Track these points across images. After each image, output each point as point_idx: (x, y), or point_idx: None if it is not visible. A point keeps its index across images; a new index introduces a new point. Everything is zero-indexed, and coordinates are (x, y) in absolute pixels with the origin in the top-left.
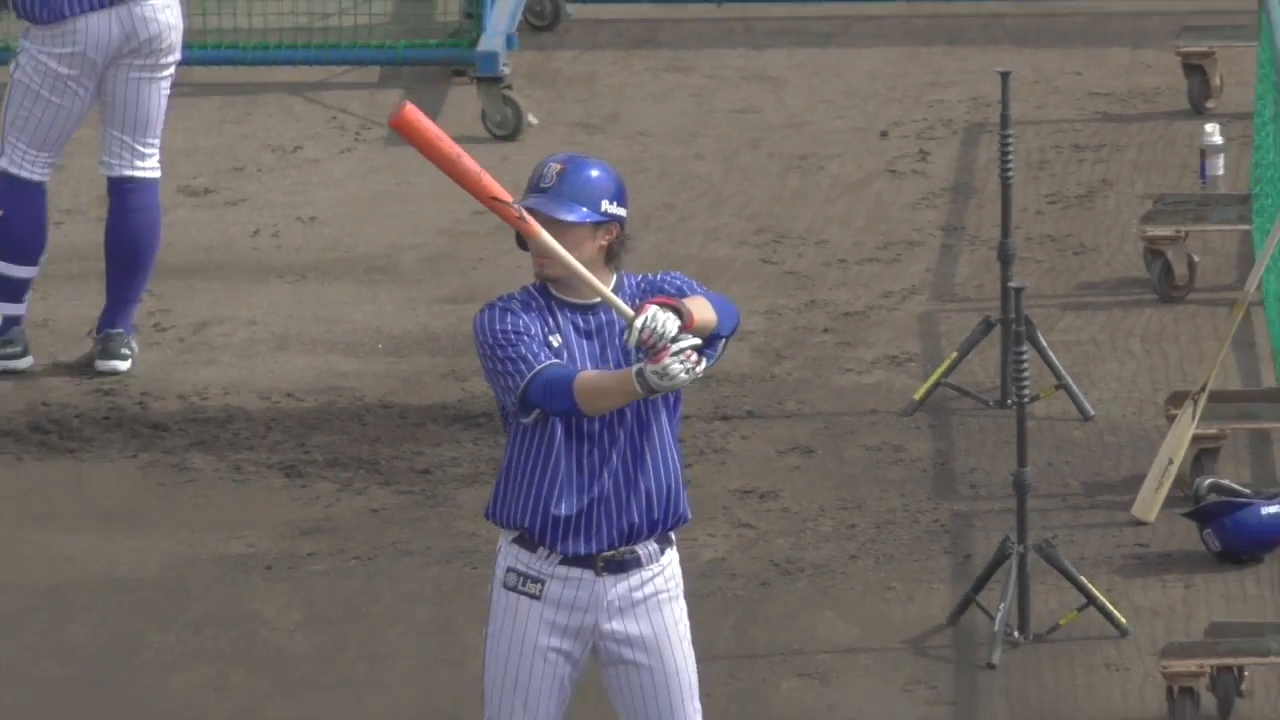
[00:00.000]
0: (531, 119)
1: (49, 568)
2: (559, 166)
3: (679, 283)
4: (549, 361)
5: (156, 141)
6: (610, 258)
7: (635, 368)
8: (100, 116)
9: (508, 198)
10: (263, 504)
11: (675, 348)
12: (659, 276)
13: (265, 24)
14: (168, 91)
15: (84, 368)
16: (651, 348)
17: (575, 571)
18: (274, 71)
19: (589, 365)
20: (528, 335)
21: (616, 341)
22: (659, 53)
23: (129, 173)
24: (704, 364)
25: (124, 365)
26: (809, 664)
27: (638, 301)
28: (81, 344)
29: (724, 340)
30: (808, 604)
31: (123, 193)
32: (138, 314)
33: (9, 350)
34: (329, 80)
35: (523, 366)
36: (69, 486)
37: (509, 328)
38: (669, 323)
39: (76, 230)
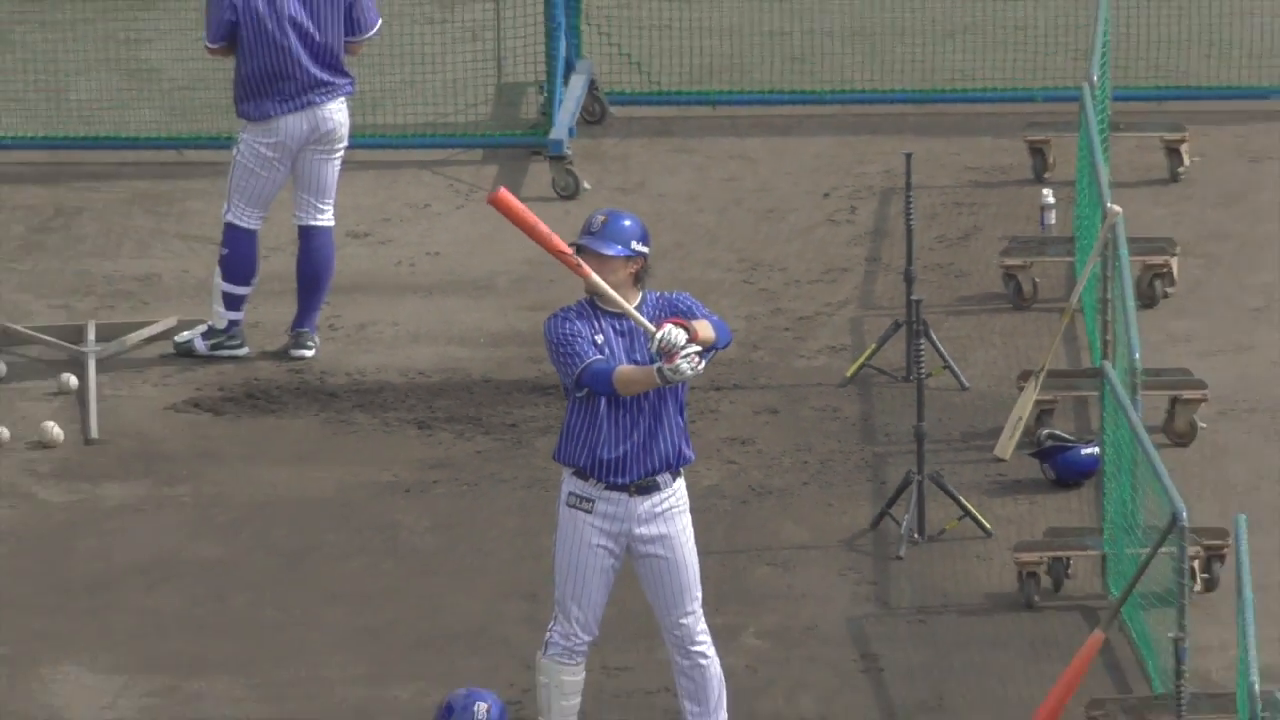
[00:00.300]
0: (586, 185)
1: (259, 491)
2: (603, 217)
3: (689, 302)
4: (595, 357)
5: (331, 201)
6: (637, 280)
7: (655, 365)
8: (293, 183)
9: (567, 250)
10: (402, 447)
11: (683, 353)
12: (673, 294)
13: (405, 120)
14: (339, 166)
15: (282, 354)
16: (666, 353)
17: (615, 495)
18: (411, 153)
19: (622, 356)
20: (580, 337)
21: (641, 339)
22: (672, 139)
23: (312, 222)
24: (703, 365)
25: (309, 353)
26: (775, 557)
27: (658, 315)
28: (281, 338)
29: (719, 348)
30: (774, 516)
31: (308, 236)
32: (318, 318)
33: (233, 343)
34: (449, 159)
35: (577, 361)
36: (272, 435)
37: (567, 331)
38: (679, 336)
39: (278, 261)
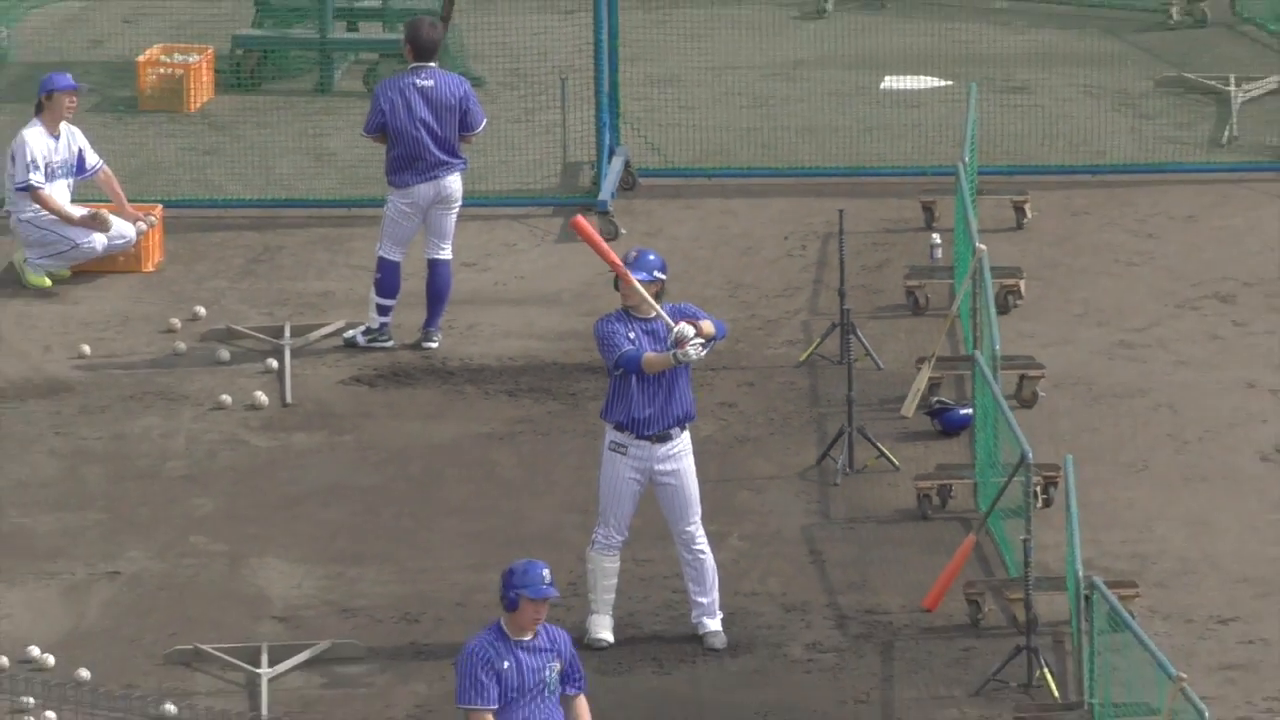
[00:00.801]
0: (622, 230)
1: (400, 438)
2: (634, 253)
3: (694, 309)
4: (628, 348)
5: (449, 241)
6: (658, 297)
7: (671, 351)
8: (424, 230)
9: (620, 264)
10: (497, 409)
11: (691, 342)
12: (682, 305)
13: (501, 187)
14: (455, 218)
15: (416, 346)
16: (679, 342)
17: (642, 442)
18: (505, 209)
19: (647, 348)
20: (618, 334)
21: (661, 336)
22: (681, 200)
23: (437, 256)
24: (705, 351)
25: (434, 345)
26: (750, 484)
27: (674, 317)
28: (415, 335)
29: (716, 340)
30: (750, 456)
31: (434, 265)
32: (441, 321)
33: (383, 338)
34: (529, 214)
35: (615, 350)
36: (409, 400)
37: (609, 330)
38: (689, 331)
39: (415, 283)
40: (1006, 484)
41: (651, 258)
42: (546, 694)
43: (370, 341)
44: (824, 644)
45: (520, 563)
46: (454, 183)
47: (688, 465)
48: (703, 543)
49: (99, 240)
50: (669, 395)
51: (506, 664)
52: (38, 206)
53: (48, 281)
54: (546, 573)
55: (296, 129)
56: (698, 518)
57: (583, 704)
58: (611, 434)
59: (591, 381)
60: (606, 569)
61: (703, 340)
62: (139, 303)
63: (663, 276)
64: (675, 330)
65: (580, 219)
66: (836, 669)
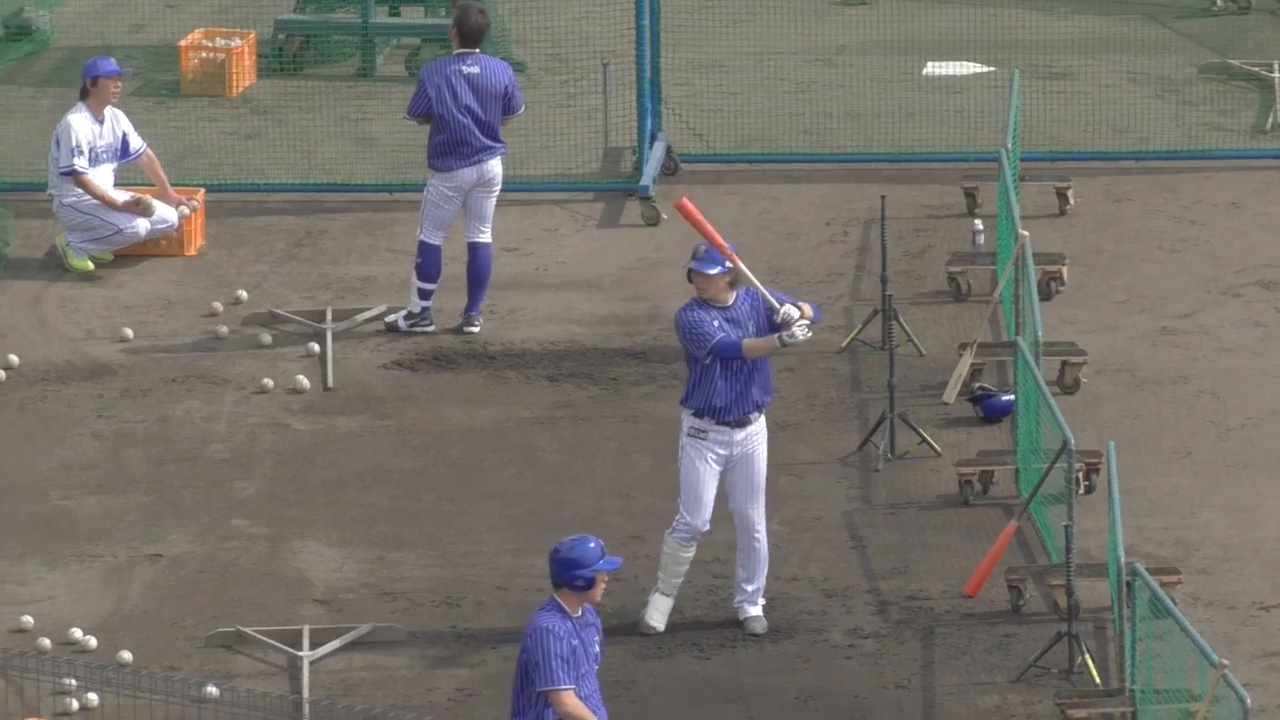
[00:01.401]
0: (663, 216)
1: (441, 422)
2: (705, 247)
3: (779, 294)
4: (721, 335)
5: (489, 225)
6: (732, 285)
7: (777, 335)
8: (465, 213)
9: (724, 244)
10: (538, 394)
11: (799, 323)
12: (755, 290)
13: (542, 172)
14: (495, 202)
15: (458, 330)
16: (785, 324)
17: (722, 428)
18: (546, 194)
19: (732, 337)
20: (705, 323)
21: (741, 323)
22: (723, 185)
23: (477, 239)
24: (810, 333)
25: (476, 329)
26: (792, 470)
27: (752, 305)
28: (457, 319)
29: (816, 322)
30: (792, 441)
31: (474, 249)
32: (482, 305)
33: (424, 323)
34: (571, 199)
35: (708, 339)
36: (450, 385)
37: (694, 319)
38: (795, 312)
39: (455, 267)
40: (1049, 470)
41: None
42: (595, 668)
43: (411, 326)
44: (865, 629)
45: (575, 542)
46: (495, 167)
47: (762, 450)
48: (762, 529)
49: (142, 225)
50: (749, 382)
51: (575, 641)
52: (80, 191)
53: (90, 265)
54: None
55: (338, 113)
56: (762, 503)
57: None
58: (690, 420)
59: (632, 367)
60: (681, 557)
61: (807, 321)
62: (181, 286)
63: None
64: (782, 311)
65: (686, 200)
66: (877, 654)
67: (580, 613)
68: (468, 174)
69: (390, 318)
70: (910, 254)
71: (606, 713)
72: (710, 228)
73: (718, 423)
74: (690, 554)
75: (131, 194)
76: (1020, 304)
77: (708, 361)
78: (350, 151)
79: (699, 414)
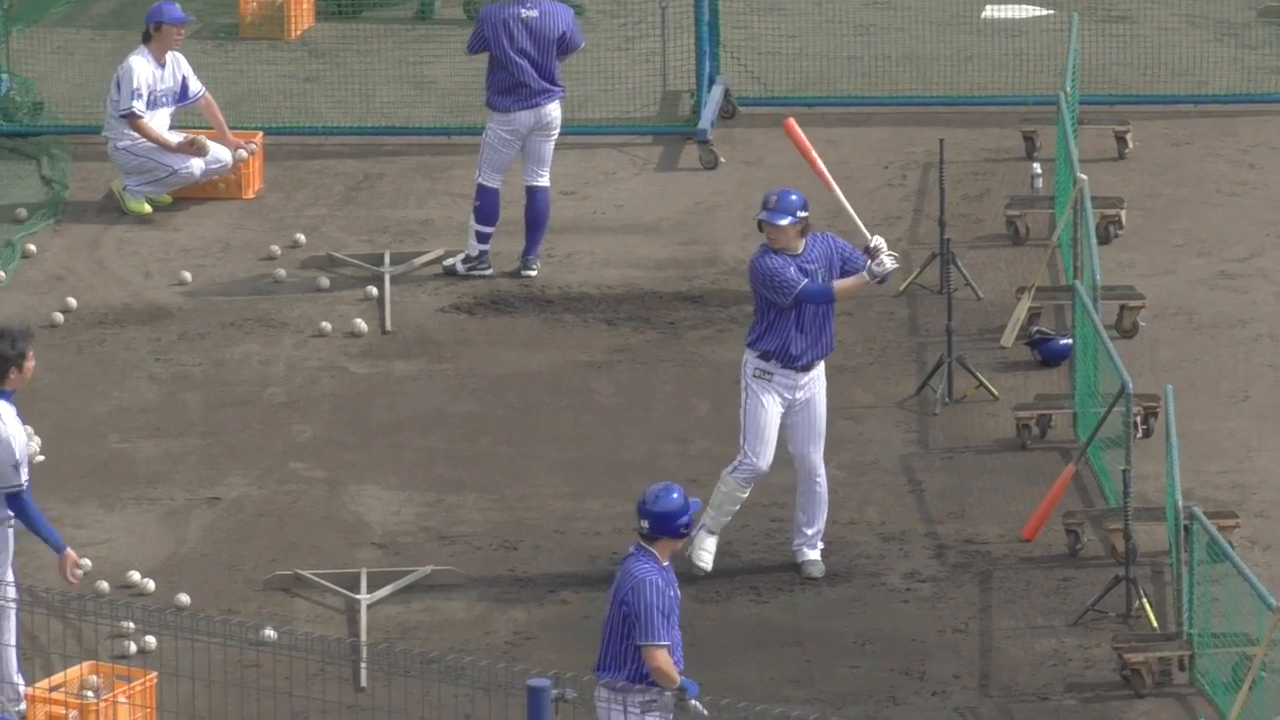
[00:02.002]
0: (721, 160)
1: (499, 366)
2: (775, 197)
3: (841, 242)
4: (804, 280)
5: (548, 169)
6: (803, 233)
7: (865, 270)
8: (523, 157)
9: (823, 171)
10: (596, 337)
11: (888, 253)
12: (827, 235)
13: (601, 115)
14: (553, 145)
15: (515, 274)
16: (874, 253)
17: (787, 370)
18: (605, 138)
19: (818, 282)
20: (786, 268)
21: (810, 273)
22: (779, 128)
23: (535, 183)
24: (897, 264)
25: (533, 273)
26: (850, 414)
27: (824, 251)
28: (515, 263)
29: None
30: (849, 385)
31: (532, 193)
32: (540, 249)
33: (482, 266)
34: (629, 142)
35: (791, 285)
36: (508, 328)
37: (774, 266)
38: (883, 241)
39: (514, 211)
40: (1106, 414)
41: (794, 198)
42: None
43: (469, 270)
44: (922, 573)
45: (661, 491)
46: (553, 110)
47: (822, 395)
48: (823, 473)
49: (196, 165)
50: (821, 330)
51: (672, 593)
52: (135, 135)
53: (148, 208)
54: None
55: (396, 56)
56: (822, 447)
57: None
58: (756, 362)
59: (690, 310)
60: (737, 497)
61: (895, 254)
62: (239, 230)
63: (805, 215)
64: (873, 240)
65: (792, 122)
66: (934, 598)
67: (668, 562)
68: (524, 117)
69: (448, 261)
70: (968, 197)
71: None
72: (814, 155)
73: (785, 366)
74: (745, 495)
75: (185, 135)
76: (1078, 248)
77: (788, 305)
78: (408, 94)
79: (766, 356)
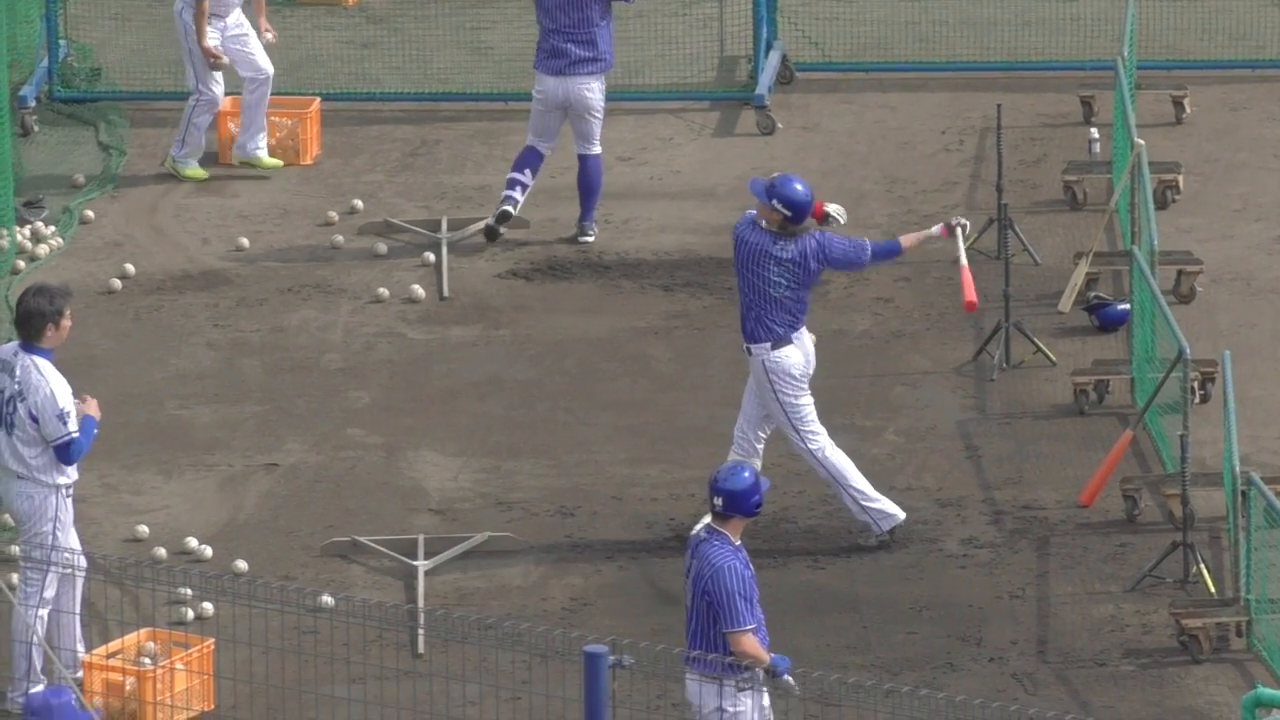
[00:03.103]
0: (779, 125)
1: (556, 332)
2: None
3: (826, 237)
4: (869, 242)
5: (594, 141)
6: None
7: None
8: (570, 127)
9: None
10: (653, 303)
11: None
12: (818, 233)
13: (658, 81)
14: (596, 123)
15: (572, 240)
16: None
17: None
18: (662, 104)
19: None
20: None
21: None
22: (839, 94)
23: (583, 152)
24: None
25: (590, 239)
26: (907, 379)
27: (812, 244)
28: (571, 229)
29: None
30: (906, 351)
31: (581, 160)
32: (595, 215)
33: (506, 205)
34: (686, 108)
35: (863, 248)
36: (565, 294)
37: (836, 237)
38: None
39: (568, 179)
40: (1164, 380)
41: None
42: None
43: (495, 215)
44: (979, 539)
45: (733, 470)
46: (585, 87)
47: (757, 381)
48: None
49: (218, 90)
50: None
51: (748, 572)
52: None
53: (203, 173)
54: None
55: (454, 22)
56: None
57: None
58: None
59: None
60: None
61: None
62: (297, 196)
63: (781, 209)
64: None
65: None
66: (992, 564)
67: (739, 541)
68: (552, 86)
69: (485, 223)
70: (1026, 163)
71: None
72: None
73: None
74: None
75: (218, 52)
76: (1136, 213)
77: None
78: (466, 60)
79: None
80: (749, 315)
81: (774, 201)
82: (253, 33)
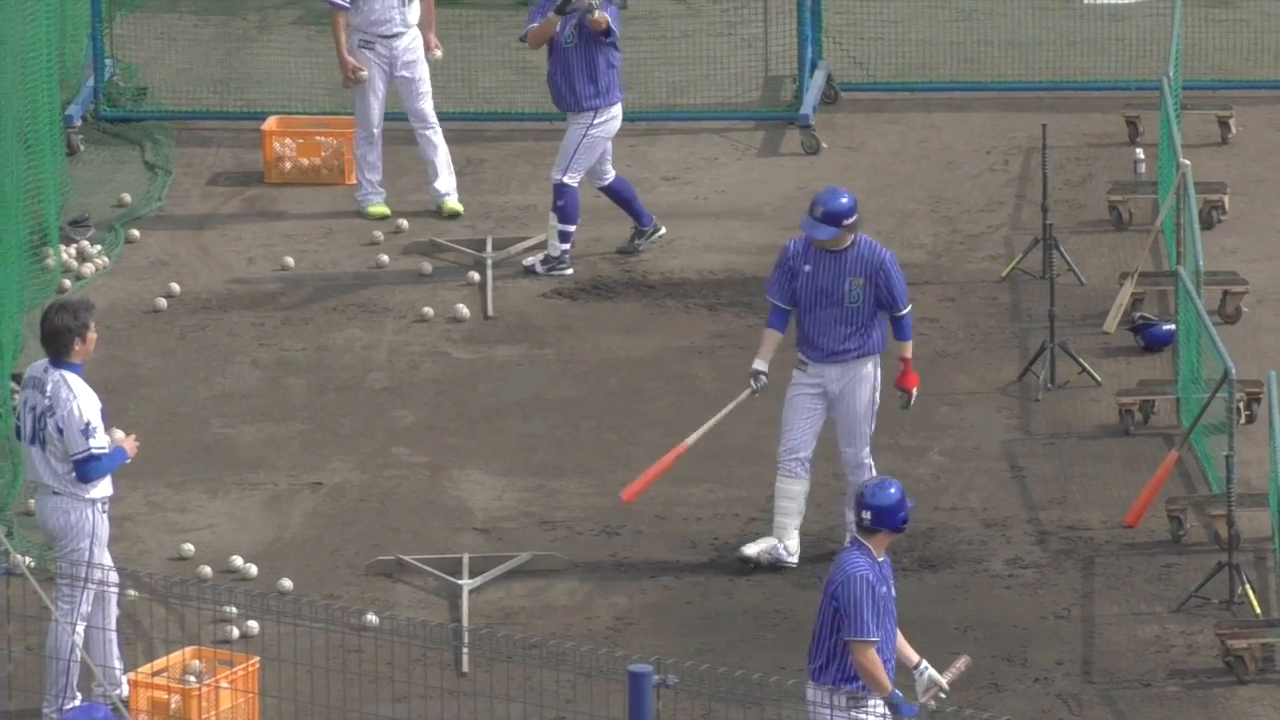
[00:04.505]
0: (824, 145)
1: (600, 351)
2: (821, 206)
3: (885, 259)
4: (774, 301)
5: (605, 164)
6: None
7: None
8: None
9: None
10: (697, 322)
11: (929, 690)
12: (882, 251)
13: (702, 101)
14: (585, 140)
15: (616, 259)
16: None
17: (814, 362)
18: (706, 123)
19: (824, 283)
20: (780, 269)
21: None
22: (883, 114)
23: (595, 183)
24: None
25: (662, 231)
26: (952, 399)
27: (861, 262)
28: (613, 247)
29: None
30: (951, 371)
31: (608, 189)
32: (648, 215)
33: (561, 266)
34: (730, 128)
35: (768, 287)
36: (609, 314)
37: (776, 261)
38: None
39: (610, 202)
40: (1209, 400)
41: (844, 201)
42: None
43: (549, 270)
44: (1024, 559)
45: (880, 484)
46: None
47: (862, 393)
48: (861, 469)
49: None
50: (838, 323)
51: (883, 588)
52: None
53: (385, 209)
54: None
55: (499, 42)
56: (859, 444)
57: None
58: (797, 350)
59: None
60: (784, 490)
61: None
62: (342, 215)
63: (850, 221)
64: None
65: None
66: (1037, 584)
67: (884, 557)
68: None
69: (528, 261)
70: (1071, 183)
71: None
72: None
73: (808, 357)
74: (796, 487)
75: (354, 64)
76: (1181, 233)
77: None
78: (511, 80)
79: (798, 344)
80: (856, 332)
81: (844, 224)
82: (423, 63)
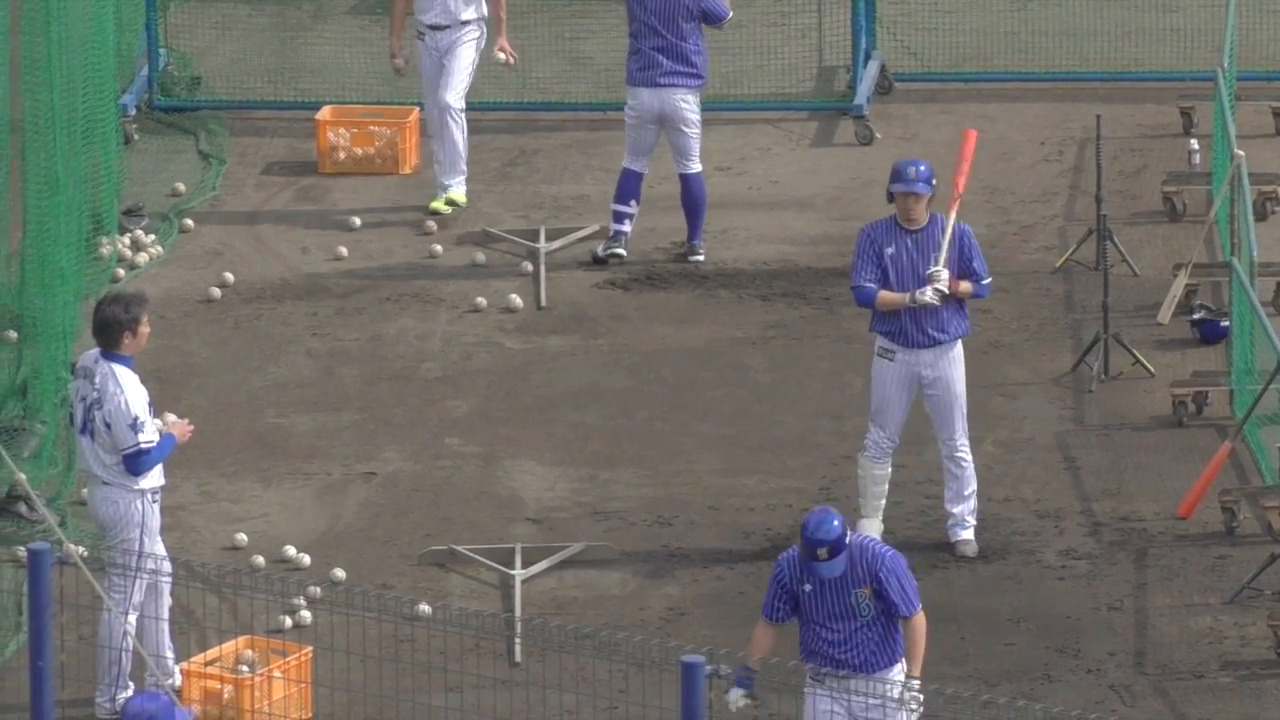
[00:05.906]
0: (877, 135)
1: (654, 342)
2: (914, 168)
3: (972, 245)
4: (867, 282)
5: (692, 157)
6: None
7: (910, 292)
8: (669, 145)
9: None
10: (750, 313)
11: (935, 286)
12: (963, 226)
13: (756, 91)
14: (693, 138)
15: (670, 249)
16: (931, 279)
17: (904, 348)
18: (760, 114)
19: (909, 267)
20: (867, 253)
21: (927, 257)
22: (937, 104)
23: (682, 171)
24: (935, 300)
25: (700, 258)
26: (1006, 390)
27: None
28: (667, 239)
29: (977, 296)
30: (1005, 362)
31: (682, 180)
32: (702, 234)
33: (615, 246)
34: (785, 118)
35: (856, 275)
36: (662, 304)
37: (861, 243)
38: (945, 274)
39: (665, 189)
40: (1263, 391)
41: (923, 168)
42: None
43: (606, 251)
44: (1077, 550)
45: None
46: (683, 101)
47: (955, 375)
48: (962, 454)
49: (429, 104)
50: (929, 310)
51: (806, 587)
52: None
53: (446, 208)
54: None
55: (553, 32)
56: (958, 427)
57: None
58: (879, 341)
59: (845, 286)
60: (874, 475)
61: (943, 290)
62: (396, 205)
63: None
64: (933, 270)
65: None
66: (1090, 575)
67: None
68: (647, 98)
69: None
70: (1125, 173)
71: None
72: (967, 164)
73: (898, 344)
74: (883, 471)
75: (403, 54)
76: (1235, 224)
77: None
78: (564, 70)
79: (884, 335)
80: (938, 314)
81: (933, 181)
82: (459, 55)
